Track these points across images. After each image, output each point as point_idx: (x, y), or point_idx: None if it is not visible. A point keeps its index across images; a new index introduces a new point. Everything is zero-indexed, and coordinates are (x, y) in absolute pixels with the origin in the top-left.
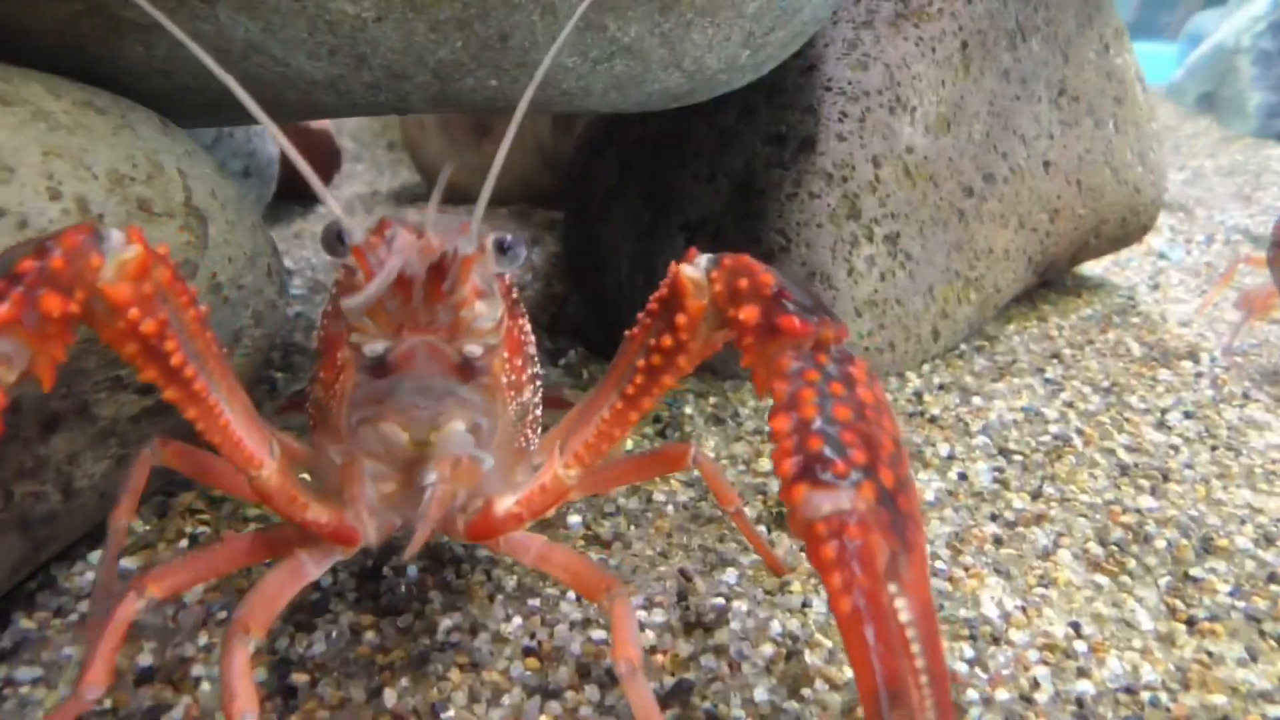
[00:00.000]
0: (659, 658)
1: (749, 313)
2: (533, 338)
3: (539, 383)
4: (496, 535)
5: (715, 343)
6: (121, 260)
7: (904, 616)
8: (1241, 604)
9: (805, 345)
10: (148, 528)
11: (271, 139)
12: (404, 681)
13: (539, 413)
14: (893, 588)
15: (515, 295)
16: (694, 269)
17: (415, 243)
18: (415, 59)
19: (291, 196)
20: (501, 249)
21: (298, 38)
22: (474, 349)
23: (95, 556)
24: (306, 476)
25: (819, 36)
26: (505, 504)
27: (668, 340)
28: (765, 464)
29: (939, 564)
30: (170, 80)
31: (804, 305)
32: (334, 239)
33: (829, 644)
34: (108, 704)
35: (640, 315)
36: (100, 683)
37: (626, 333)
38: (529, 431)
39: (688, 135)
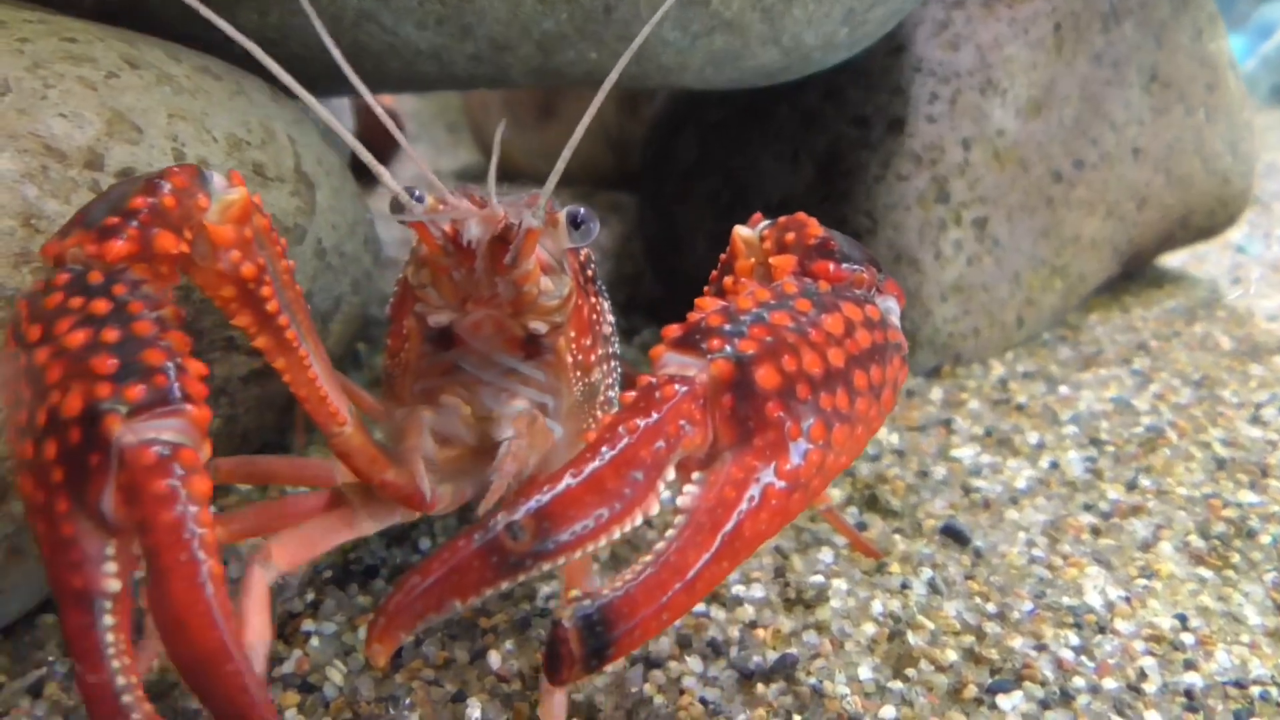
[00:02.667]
0: (760, 632)
1: (785, 261)
2: (610, 318)
3: (615, 363)
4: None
5: None
6: (226, 201)
7: (682, 500)
8: None
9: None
10: (250, 486)
11: (352, 114)
12: (508, 645)
13: (612, 394)
14: (695, 475)
15: (591, 273)
16: (749, 230)
17: (477, 210)
18: (520, 30)
19: (364, 172)
20: (575, 223)
21: (407, 6)
22: (538, 325)
23: None
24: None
25: (907, 17)
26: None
27: None
28: None
29: (1036, 551)
30: (280, 49)
31: (847, 255)
32: (398, 205)
33: (931, 626)
34: None
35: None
36: (267, 637)
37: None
38: (598, 413)
39: (769, 116)
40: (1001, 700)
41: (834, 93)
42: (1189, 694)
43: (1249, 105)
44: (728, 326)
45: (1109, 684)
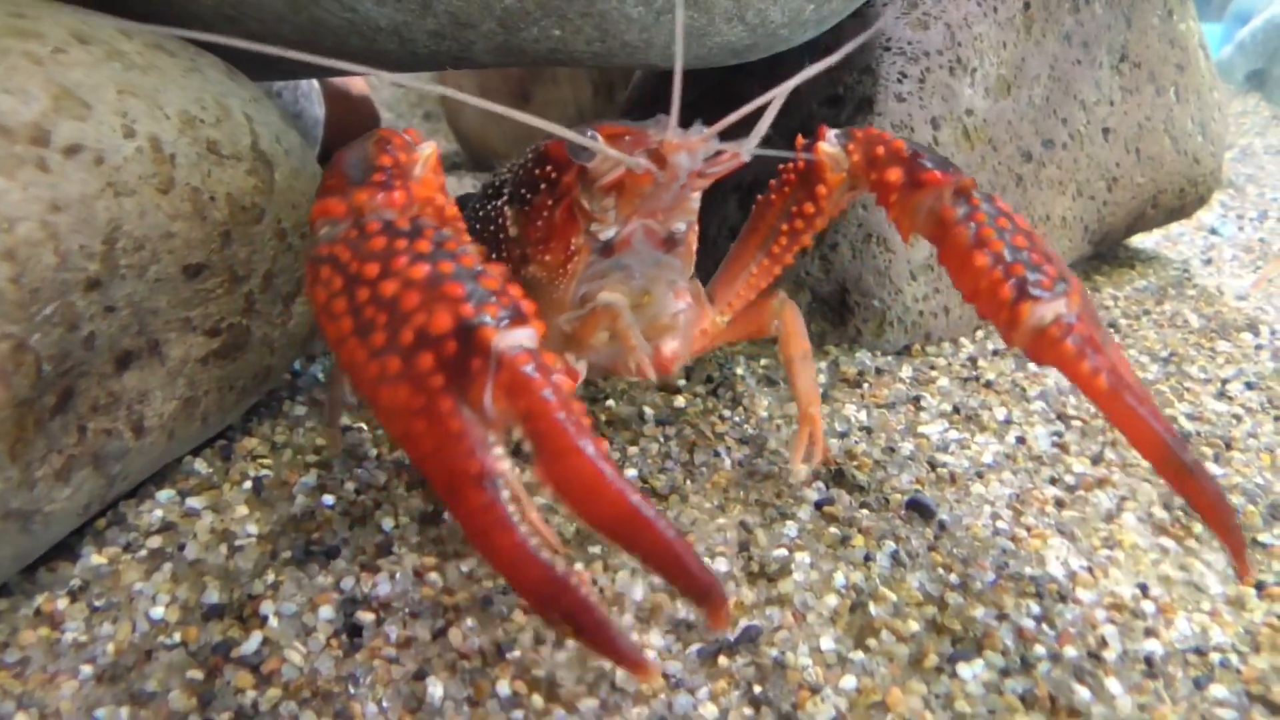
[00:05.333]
0: None
1: (894, 174)
2: None
3: None
4: (666, 372)
5: (844, 204)
6: (425, 156)
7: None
8: None
9: (948, 192)
10: (211, 470)
11: (317, 101)
12: (469, 622)
13: None
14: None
15: None
16: (830, 145)
17: (690, 145)
18: (481, 6)
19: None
20: None
21: None
22: (680, 226)
23: (164, 495)
24: None
25: None
26: (672, 346)
27: (810, 208)
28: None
29: (1000, 524)
30: (235, 27)
31: (939, 160)
32: (578, 149)
33: (894, 597)
34: (177, 637)
35: (772, 183)
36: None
37: (759, 197)
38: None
39: (739, 96)
40: (962, 669)
41: None
42: (1149, 661)
43: (1219, 86)
44: (1029, 272)
45: (1069, 652)
